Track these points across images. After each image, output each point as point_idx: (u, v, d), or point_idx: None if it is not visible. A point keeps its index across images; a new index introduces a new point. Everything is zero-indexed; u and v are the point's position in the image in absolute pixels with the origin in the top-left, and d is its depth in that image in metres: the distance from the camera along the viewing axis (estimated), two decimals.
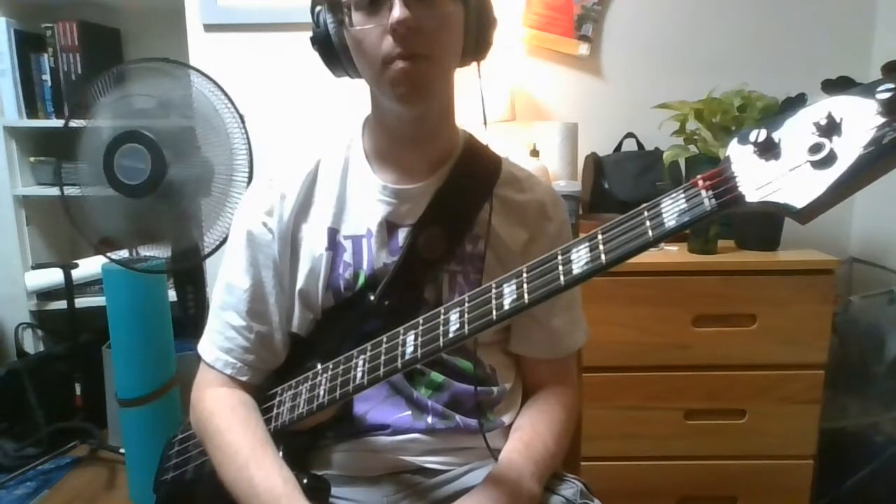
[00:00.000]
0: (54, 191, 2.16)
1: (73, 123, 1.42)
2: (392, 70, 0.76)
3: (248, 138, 1.48)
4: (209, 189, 1.46)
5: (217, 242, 1.48)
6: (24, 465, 1.95)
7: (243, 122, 1.49)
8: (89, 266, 2.11)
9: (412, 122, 0.84)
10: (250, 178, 1.45)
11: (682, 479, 1.56)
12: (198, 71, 1.48)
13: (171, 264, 1.54)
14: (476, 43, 0.83)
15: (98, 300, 2.13)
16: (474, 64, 0.86)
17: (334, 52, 0.82)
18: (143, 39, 2.34)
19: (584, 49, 1.96)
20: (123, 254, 1.58)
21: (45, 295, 2.24)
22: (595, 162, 1.85)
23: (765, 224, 1.57)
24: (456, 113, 0.90)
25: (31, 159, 2.24)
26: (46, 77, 2.18)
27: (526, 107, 1.98)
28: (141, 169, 1.39)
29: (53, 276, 2.12)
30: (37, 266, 2.18)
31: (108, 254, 1.54)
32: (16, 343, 2.19)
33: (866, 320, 1.72)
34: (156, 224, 1.47)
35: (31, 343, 2.23)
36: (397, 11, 0.73)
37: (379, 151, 0.89)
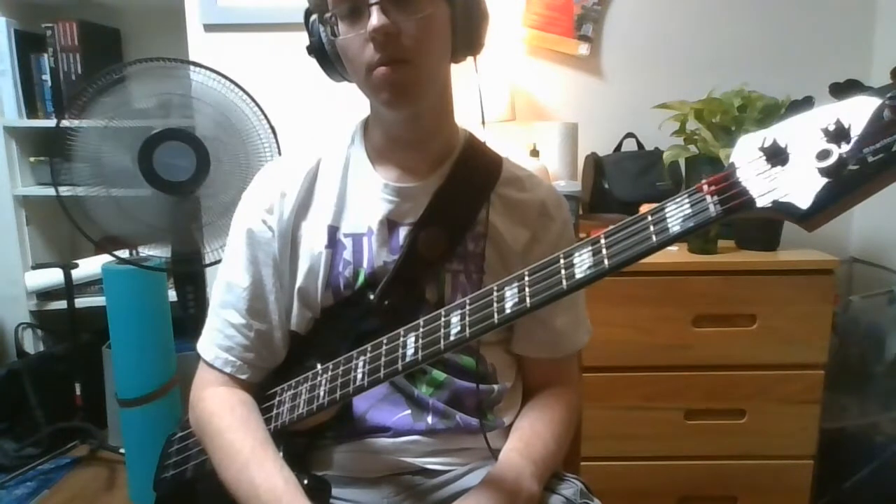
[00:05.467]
0: (54, 191, 2.18)
1: (73, 123, 1.42)
2: (375, 76, 0.77)
3: (279, 149, 1.52)
4: (228, 193, 1.47)
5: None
6: (24, 465, 1.95)
7: (275, 133, 1.52)
8: (89, 266, 2.11)
9: (406, 123, 0.85)
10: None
11: (682, 479, 1.56)
12: (229, 79, 1.49)
13: (180, 265, 1.54)
14: (466, 40, 0.82)
15: (98, 300, 2.12)
16: (472, 61, 0.86)
17: (329, 60, 0.84)
18: (143, 39, 2.34)
19: (584, 49, 1.96)
20: (124, 253, 1.58)
21: (45, 295, 2.24)
22: (595, 162, 1.85)
23: (765, 224, 1.57)
24: (455, 111, 0.90)
25: (31, 159, 2.24)
26: (46, 77, 2.18)
27: (526, 107, 1.98)
28: (184, 167, 1.41)
29: (53, 276, 2.12)
30: (37, 266, 2.17)
31: (114, 252, 1.55)
32: (16, 343, 2.19)
33: (866, 320, 1.72)
34: (174, 223, 1.49)
35: (31, 343, 2.23)
36: (374, 19, 0.73)
37: (379, 150, 0.89)
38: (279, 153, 1.55)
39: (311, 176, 0.88)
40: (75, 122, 1.42)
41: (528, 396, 0.94)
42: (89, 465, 2.01)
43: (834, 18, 1.91)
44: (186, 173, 1.41)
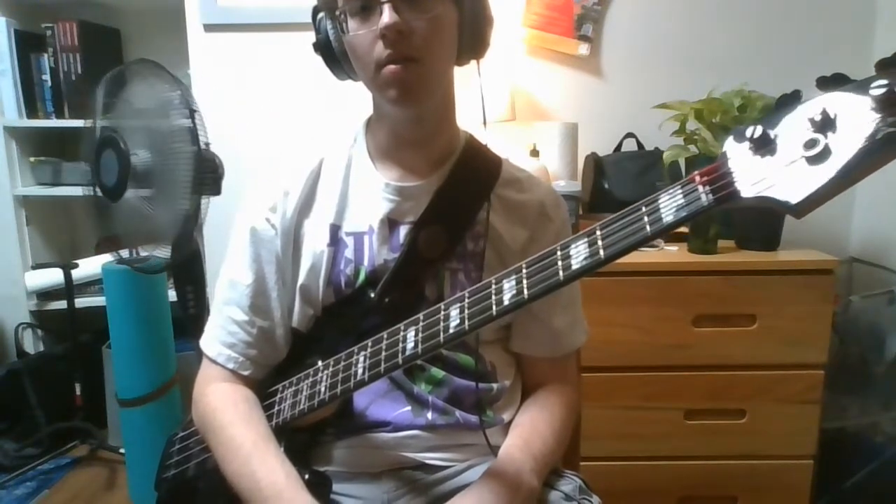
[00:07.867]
0: (54, 191, 2.18)
1: (97, 123, 1.42)
2: (384, 74, 0.78)
3: (195, 132, 1.40)
4: (179, 185, 1.44)
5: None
6: (24, 465, 1.95)
7: (192, 115, 1.41)
8: (89, 266, 2.12)
9: (410, 122, 0.86)
10: (197, 171, 1.39)
11: (682, 479, 1.56)
12: (152, 63, 1.45)
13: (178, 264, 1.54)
14: (472, 42, 0.84)
15: (98, 300, 2.13)
16: (474, 63, 0.87)
17: (335, 58, 0.84)
18: (143, 39, 2.34)
19: (584, 49, 1.96)
20: (124, 253, 1.58)
21: (45, 295, 2.24)
22: (595, 162, 1.85)
23: (765, 224, 1.58)
24: (456, 112, 0.91)
25: (31, 159, 2.24)
26: (46, 77, 2.18)
27: (526, 107, 1.98)
28: (113, 171, 1.39)
29: (53, 276, 2.12)
30: (37, 266, 2.18)
31: (113, 252, 1.55)
32: (16, 343, 2.19)
33: (866, 320, 1.72)
34: (138, 224, 1.47)
35: (31, 343, 2.23)
36: (386, 16, 0.74)
37: (381, 149, 0.90)
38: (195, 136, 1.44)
39: (313, 175, 0.89)
40: (103, 122, 1.41)
41: (528, 395, 0.95)
42: (89, 465, 2.01)
43: (834, 18, 1.91)
44: (114, 177, 1.40)
